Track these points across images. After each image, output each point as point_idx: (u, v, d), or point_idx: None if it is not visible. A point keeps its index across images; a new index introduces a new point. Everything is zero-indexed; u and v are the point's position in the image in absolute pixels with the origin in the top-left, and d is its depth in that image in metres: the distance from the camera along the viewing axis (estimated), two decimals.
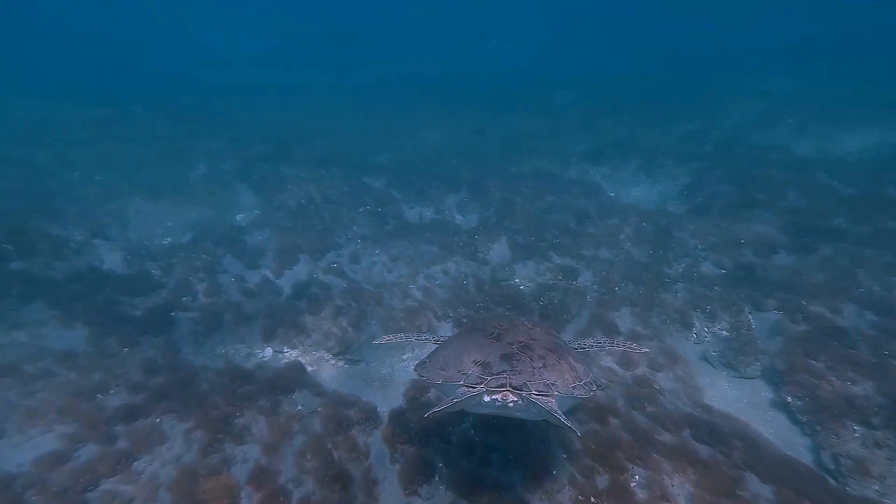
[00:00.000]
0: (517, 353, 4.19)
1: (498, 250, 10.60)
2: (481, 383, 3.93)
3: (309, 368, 7.08)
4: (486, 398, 3.83)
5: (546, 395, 3.79)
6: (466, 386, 4.01)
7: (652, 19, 47.49)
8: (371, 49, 42.55)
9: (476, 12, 54.08)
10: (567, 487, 4.71)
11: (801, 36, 30.78)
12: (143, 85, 25.55)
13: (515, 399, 3.82)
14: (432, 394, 6.38)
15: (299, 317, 7.92)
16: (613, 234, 10.69)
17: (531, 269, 9.85)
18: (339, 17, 51.17)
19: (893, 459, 4.92)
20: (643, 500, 4.54)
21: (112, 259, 9.25)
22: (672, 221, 10.73)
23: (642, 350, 5.28)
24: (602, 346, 5.28)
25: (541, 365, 4.07)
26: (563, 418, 3.62)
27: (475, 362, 4.22)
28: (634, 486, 4.62)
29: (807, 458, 5.15)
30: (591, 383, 4.16)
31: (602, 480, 4.70)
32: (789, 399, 5.54)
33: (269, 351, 7.50)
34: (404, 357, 7.75)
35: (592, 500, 4.58)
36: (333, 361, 7.52)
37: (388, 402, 6.44)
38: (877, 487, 4.75)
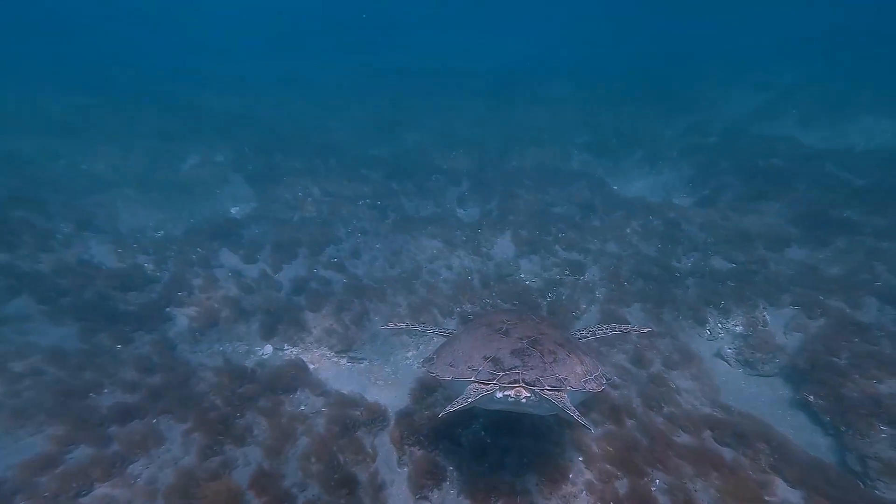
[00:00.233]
0: (527, 349, 4.16)
1: (502, 245, 10.43)
2: (493, 380, 3.90)
3: (311, 367, 6.89)
4: (499, 394, 3.81)
5: (558, 391, 3.76)
6: (478, 382, 3.97)
7: (649, 12, 47.29)
8: (366, 41, 42.06)
9: (474, 3, 53.55)
10: (584, 493, 4.58)
11: (799, 29, 30.72)
12: (130, 73, 24.96)
13: (528, 395, 3.81)
14: (440, 393, 6.21)
15: (300, 313, 7.72)
16: (620, 227, 10.56)
17: (536, 264, 9.70)
18: (333, 11, 50.39)
19: None
20: None
21: (102, 252, 8.96)
22: (679, 214, 10.61)
23: (644, 330, 5.30)
24: (605, 333, 5.29)
25: (551, 360, 4.04)
26: (575, 415, 3.60)
27: (485, 358, 4.17)
28: (655, 490, 4.49)
29: (830, 459, 5.04)
30: (601, 377, 4.15)
31: (622, 485, 4.56)
32: (811, 398, 5.41)
33: (268, 348, 7.30)
34: (408, 355, 7.60)
35: None
36: (336, 359, 7.35)
37: (393, 401, 6.28)
38: None
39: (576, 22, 49.30)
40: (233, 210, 12.46)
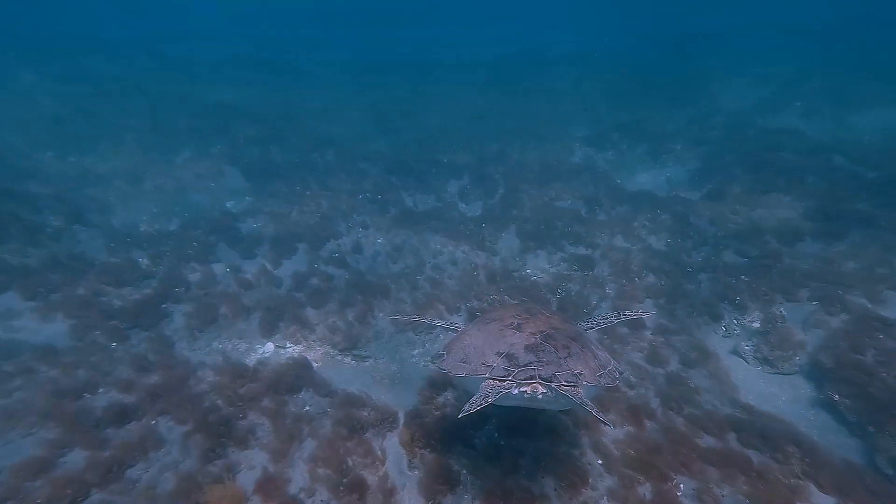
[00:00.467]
0: (541, 344, 4.11)
1: (507, 239, 10.28)
2: (508, 376, 3.88)
3: (314, 365, 6.69)
4: (515, 391, 3.79)
5: (574, 386, 3.76)
6: (493, 379, 3.94)
7: (647, 3, 47.17)
8: (361, 33, 41.64)
9: None
10: (606, 498, 4.43)
11: (796, 20, 30.71)
12: (118, 61, 24.46)
13: (544, 391, 3.78)
14: (449, 392, 6.06)
15: (301, 310, 7.52)
16: (627, 221, 10.44)
17: (543, 259, 9.56)
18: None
19: None
20: None
21: (93, 246, 8.71)
22: (687, 208, 10.49)
23: (648, 314, 5.33)
24: (611, 321, 5.30)
25: (565, 354, 4.01)
26: (594, 411, 3.57)
27: (499, 354, 4.12)
28: (681, 496, 4.34)
29: (858, 461, 4.89)
30: (614, 371, 4.15)
31: (645, 490, 4.41)
32: (836, 397, 5.27)
33: (269, 346, 7.10)
34: (414, 353, 7.42)
35: None
36: (339, 357, 7.16)
37: (401, 401, 6.11)
38: None
39: (571, 14, 49.10)
40: (228, 204, 12.18)
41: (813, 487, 4.40)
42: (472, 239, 10.08)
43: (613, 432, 5.09)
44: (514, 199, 12.14)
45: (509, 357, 4.07)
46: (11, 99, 16.60)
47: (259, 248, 9.17)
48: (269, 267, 8.62)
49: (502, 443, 5.13)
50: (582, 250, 9.52)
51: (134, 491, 4.51)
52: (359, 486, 4.77)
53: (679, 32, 35.09)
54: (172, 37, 34.76)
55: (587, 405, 3.67)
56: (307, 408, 5.89)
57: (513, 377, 3.89)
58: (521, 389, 3.84)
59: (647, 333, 6.72)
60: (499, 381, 3.95)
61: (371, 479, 4.91)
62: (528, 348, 4.11)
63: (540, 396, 3.85)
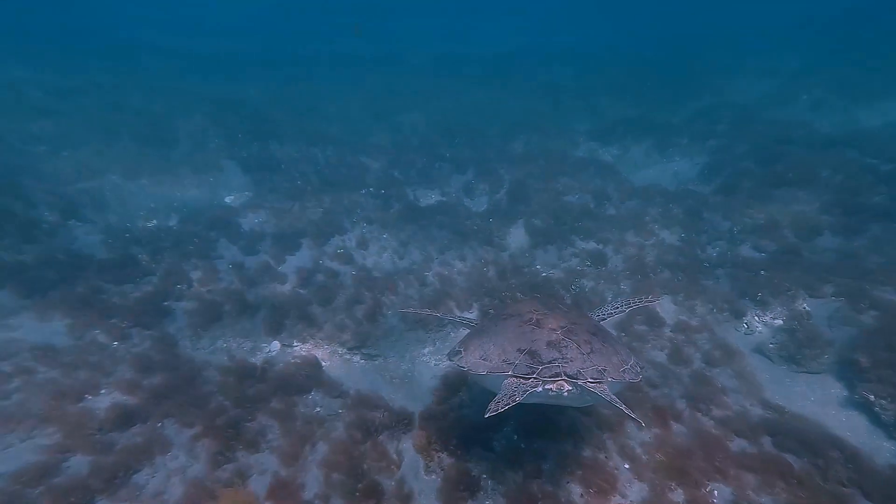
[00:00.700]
0: (563, 340, 4.08)
1: (515, 235, 10.14)
2: (532, 373, 3.84)
3: (323, 364, 6.53)
4: (540, 388, 3.76)
5: (599, 382, 3.73)
6: (516, 377, 3.90)
7: None
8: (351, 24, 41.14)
9: None
10: None
11: (800, 14, 30.62)
12: (110, 53, 24.09)
13: (570, 388, 3.75)
14: (464, 393, 5.91)
15: (307, 307, 7.35)
16: (638, 216, 10.31)
17: (553, 255, 9.42)
18: None
19: None
20: None
21: (90, 243, 8.49)
22: (699, 202, 10.37)
23: (658, 299, 5.38)
24: (622, 311, 5.28)
25: (588, 350, 3.99)
26: (624, 407, 3.54)
27: (520, 351, 4.07)
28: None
29: None
30: (636, 366, 4.11)
31: (678, 497, 4.27)
32: (871, 397, 5.11)
33: (275, 345, 6.93)
34: (424, 351, 7.27)
35: None
36: (348, 356, 6.99)
37: (413, 401, 5.97)
38: None
39: (571, 10, 48.84)
40: (227, 199, 11.98)
41: (859, 496, 4.22)
42: (479, 235, 9.93)
43: (640, 435, 4.95)
44: (520, 193, 11.98)
45: (532, 354, 4.02)
46: (2, 93, 16.26)
47: (261, 243, 8.98)
48: (272, 263, 8.44)
49: (522, 445, 4.99)
50: (593, 245, 9.38)
51: (141, 497, 4.35)
52: (374, 492, 4.63)
53: (680, 27, 35.03)
54: (166, 30, 34.39)
55: (616, 402, 3.61)
56: (318, 409, 5.74)
57: (537, 374, 3.84)
58: (547, 387, 3.79)
59: (667, 331, 6.59)
60: (522, 378, 3.89)
61: (387, 483, 4.77)
62: (550, 344, 4.06)
63: (566, 394, 3.81)
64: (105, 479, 4.40)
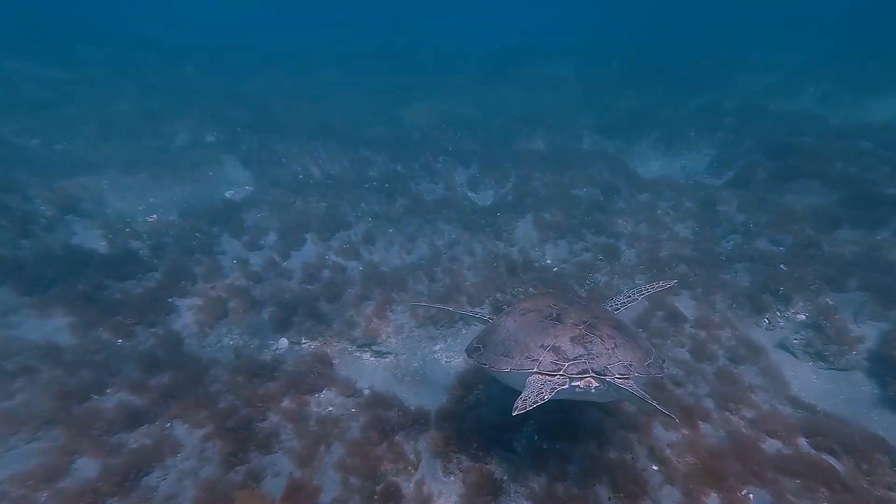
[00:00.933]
0: (587, 335, 4.02)
1: (523, 229, 10.03)
2: (558, 370, 3.79)
3: (333, 362, 6.42)
4: (566, 385, 3.74)
5: (626, 378, 3.70)
6: (542, 374, 3.84)
7: None
8: (358, 21, 41.00)
9: None
10: None
11: (800, 11, 30.56)
12: (102, 45, 23.79)
13: (598, 384, 3.73)
14: (481, 391, 5.81)
15: (315, 303, 7.23)
16: (649, 209, 10.23)
17: (563, 249, 9.33)
18: None
19: None
20: None
21: (89, 238, 8.34)
22: (711, 195, 10.28)
23: (671, 283, 5.37)
24: (635, 299, 5.27)
25: (612, 345, 3.94)
26: (654, 402, 3.51)
27: (544, 347, 4.01)
28: None
29: None
30: (659, 360, 4.08)
31: (713, 502, 4.17)
32: None
33: (283, 342, 6.82)
34: (436, 348, 7.18)
35: None
36: (358, 354, 6.89)
37: (427, 400, 5.86)
38: None
39: (572, 4, 48.66)
40: (227, 193, 11.80)
41: None
42: (487, 229, 9.83)
43: (667, 435, 4.87)
44: (527, 187, 11.88)
45: (556, 350, 3.95)
46: None
47: (265, 238, 8.85)
48: (277, 258, 8.32)
49: (544, 446, 4.88)
50: (604, 239, 9.29)
51: (153, 500, 4.24)
52: (393, 495, 4.54)
53: (680, 22, 34.93)
54: (158, 23, 34.02)
55: (646, 398, 3.57)
56: (330, 408, 5.65)
57: (564, 371, 3.79)
58: (574, 384, 3.75)
59: (688, 327, 6.51)
60: (548, 375, 3.83)
61: (405, 485, 4.68)
62: (574, 340, 4.00)
63: (593, 390, 3.78)
64: (115, 481, 4.29)
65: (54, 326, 6.16)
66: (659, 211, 10.07)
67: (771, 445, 4.66)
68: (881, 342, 5.65)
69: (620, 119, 17.08)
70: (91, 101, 15.80)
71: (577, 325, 4.14)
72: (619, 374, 3.73)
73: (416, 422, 5.37)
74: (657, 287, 5.40)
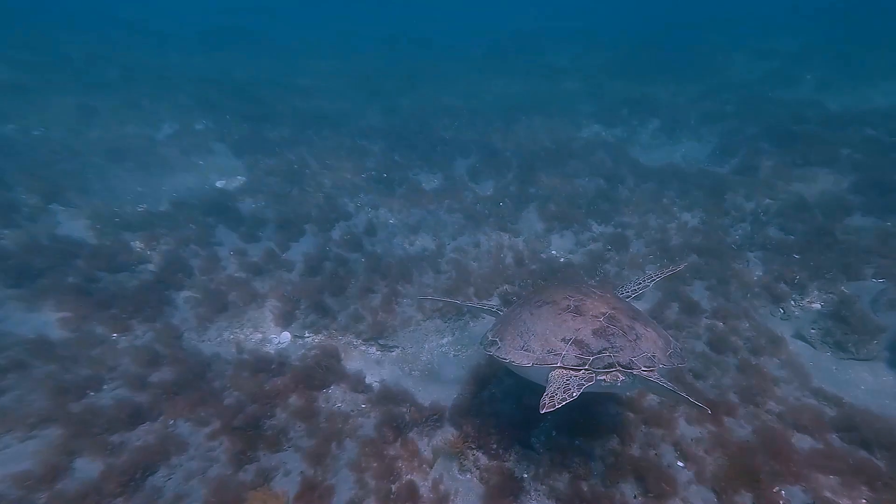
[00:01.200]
0: (609, 327, 4.01)
1: (528, 219, 9.96)
2: (583, 364, 3.79)
3: (341, 356, 6.30)
4: (593, 381, 3.74)
5: (652, 369, 3.72)
6: (566, 368, 3.82)
7: None
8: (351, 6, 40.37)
9: None
10: None
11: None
12: (83, 30, 23.11)
13: (624, 378, 3.74)
14: (494, 386, 5.74)
15: (318, 296, 7.09)
16: (655, 198, 10.22)
17: (569, 240, 9.28)
18: None
19: None
20: None
21: (76, 228, 8.08)
22: (718, 183, 10.28)
23: (681, 266, 5.58)
24: (646, 285, 5.34)
25: (634, 337, 3.96)
26: (684, 394, 3.53)
27: (565, 341, 3.99)
28: None
29: None
30: (678, 349, 4.09)
31: (745, 500, 4.12)
32: None
33: (286, 336, 6.67)
34: (443, 342, 7.08)
35: None
36: (364, 348, 6.77)
37: (438, 394, 5.77)
38: None
39: None
40: (218, 183, 11.54)
41: None
42: (491, 219, 9.74)
43: (693, 431, 4.84)
44: (529, 177, 11.79)
45: (579, 344, 3.93)
46: None
47: (263, 229, 8.67)
48: (276, 250, 8.14)
49: (564, 442, 4.83)
50: (612, 229, 9.26)
51: (160, 501, 4.11)
52: (411, 494, 4.45)
53: (676, 9, 34.94)
54: (140, 6, 33.17)
55: (677, 389, 3.58)
56: (339, 405, 5.53)
57: (590, 365, 3.77)
58: (599, 378, 3.74)
59: (704, 318, 6.49)
60: (572, 370, 3.80)
61: (422, 485, 4.59)
62: (596, 333, 3.97)
63: (619, 384, 3.79)
64: (119, 482, 4.16)
65: (44, 320, 5.95)
66: (665, 200, 10.05)
67: (801, 440, 4.64)
68: None
69: (620, 107, 17.06)
70: (69, 84, 15.34)
71: (596, 316, 4.11)
72: (644, 366, 3.72)
73: (430, 418, 5.28)
74: (666, 272, 5.46)
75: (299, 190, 10.54)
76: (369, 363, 6.53)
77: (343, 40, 28.67)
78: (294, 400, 5.36)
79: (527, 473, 4.60)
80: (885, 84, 16.38)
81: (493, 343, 4.45)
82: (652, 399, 5.27)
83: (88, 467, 4.34)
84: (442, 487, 4.59)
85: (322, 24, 32.94)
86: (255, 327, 6.64)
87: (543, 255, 8.72)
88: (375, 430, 5.05)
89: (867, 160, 9.78)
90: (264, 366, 5.70)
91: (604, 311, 4.18)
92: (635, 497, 4.28)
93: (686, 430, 4.90)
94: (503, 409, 5.31)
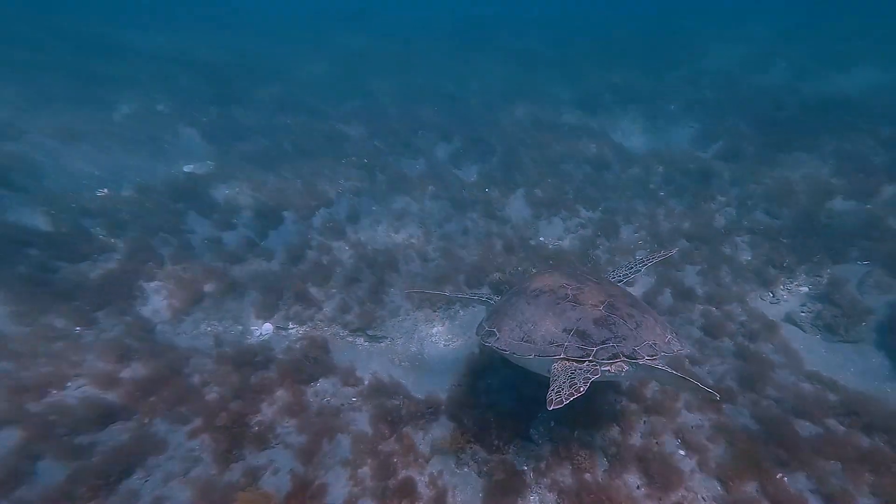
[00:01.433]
0: (609, 316, 3.97)
1: (515, 205, 9.87)
2: (586, 355, 3.74)
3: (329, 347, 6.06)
4: (598, 374, 3.69)
5: (655, 357, 3.71)
6: (569, 359, 3.77)
7: None
8: None
9: None
10: (703, 498, 4.11)
11: None
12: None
13: (628, 368, 3.72)
14: (490, 377, 5.61)
15: (303, 286, 6.80)
16: (642, 183, 10.28)
17: (558, 227, 9.22)
18: None
19: None
20: None
21: (26, 214, 7.51)
22: (702, 168, 10.39)
23: (672, 252, 5.60)
24: (638, 270, 5.38)
25: (635, 325, 3.92)
26: (693, 381, 3.50)
27: (567, 331, 3.93)
28: (799, 494, 4.02)
29: None
30: (675, 334, 4.08)
31: (749, 488, 4.12)
32: None
33: (267, 327, 6.39)
34: (433, 332, 6.92)
35: None
36: (351, 339, 6.55)
37: (428, 386, 5.62)
38: None
39: None
40: (186, 168, 11.00)
41: None
42: (477, 206, 9.59)
43: (693, 418, 4.83)
44: (514, 162, 11.69)
45: (581, 334, 3.88)
46: None
47: (238, 216, 8.28)
48: (254, 238, 7.79)
49: (564, 433, 4.73)
50: (600, 215, 9.25)
51: None
52: (409, 491, 4.28)
53: None
54: None
55: (685, 376, 3.56)
56: (328, 398, 5.31)
57: (593, 357, 3.73)
58: (604, 369, 3.71)
59: (698, 304, 6.52)
60: (576, 361, 3.76)
61: (419, 479, 4.42)
62: (597, 322, 3.93)
63: (623, 374, 3.77)
64: (90, 486, 3.84)
65: None
66: (652, 185, 10.12)
67: (804, 426, 4.65)
68: (891, 313, 5.77)
69: (600, 93, 17.10)
70: (16, 61, 14.33)
71: (595, 306, 4.05)
72: (647, 355, 3.70)
73: (426, 412, 5.11)
74: (658, 257, 5.46)
75: (276, 175, 10.13)
76: (357, 355, 6.30)
77: (312, 18, 27.86)
78: (281, 394, 5.12)
79: (527, 466, 4.49)
80: (854, 69, 16.88)
81: (491, 334, 4.32)
82: (652, 387, 5.24)
83: (53, 471, 4.00)
84: (440, 482, 4.44)
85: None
86: (234, 319, 6.33)
87: (532, 242, 8.64)
88: (370, 424, 4.86)
89: (846, 146, 10.06)
90: (247, 359, 5.43)
91: (602, 298, 4.12)
92: (639, 488, 4.23)
93: (688, 417, 4.89)
94: (501, 401, 5.19)
